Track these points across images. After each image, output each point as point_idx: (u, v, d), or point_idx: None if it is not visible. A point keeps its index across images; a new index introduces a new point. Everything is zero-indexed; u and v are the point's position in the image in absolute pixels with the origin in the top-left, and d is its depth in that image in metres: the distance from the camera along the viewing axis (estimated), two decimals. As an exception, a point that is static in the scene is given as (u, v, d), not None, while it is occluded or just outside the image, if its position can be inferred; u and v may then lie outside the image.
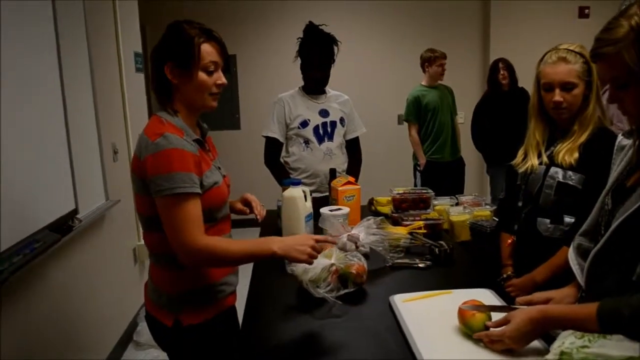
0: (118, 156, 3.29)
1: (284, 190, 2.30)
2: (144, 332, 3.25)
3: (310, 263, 1.45)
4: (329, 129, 2.78)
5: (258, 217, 1.80)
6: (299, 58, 2.73)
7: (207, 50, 1.43)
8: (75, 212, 2.38)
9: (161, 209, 1.37)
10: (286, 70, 3.34)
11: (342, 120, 2.82)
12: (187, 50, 1.40)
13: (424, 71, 4.58)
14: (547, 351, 1.12)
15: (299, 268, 1.58)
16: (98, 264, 2.92)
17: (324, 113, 2.78)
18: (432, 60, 4.46)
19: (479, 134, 4.86)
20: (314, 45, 2.62)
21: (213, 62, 1.45)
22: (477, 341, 1.25)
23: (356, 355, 1.29)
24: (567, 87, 1.70)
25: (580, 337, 1.02)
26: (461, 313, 1.31)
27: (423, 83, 4.58)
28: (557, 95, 1.71)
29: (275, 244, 1.41)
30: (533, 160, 1.83)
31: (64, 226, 2.27)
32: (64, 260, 2.46)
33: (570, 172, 1.72)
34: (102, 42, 3.14)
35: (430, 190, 2.31)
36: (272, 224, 2.36)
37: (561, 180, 1.73)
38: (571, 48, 1.72)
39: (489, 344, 1.21)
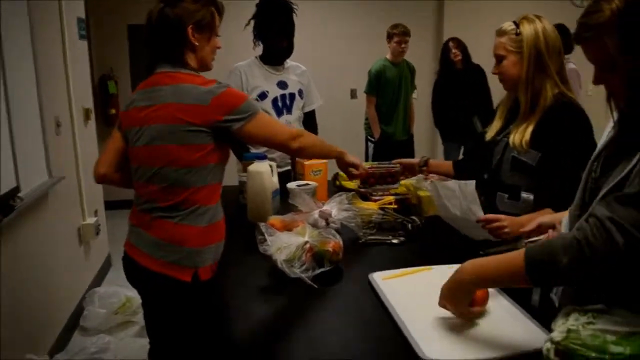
0: (61, 129, 3.05)
1: (245, 165, 2.19)
2: (91, 316, 3.07)
3: None
4: (287, 102, 2.66)
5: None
6: (250, 27, 2.58)
7: (217, 17, 1.61)
8: (16, 190, 2.18)
9: (255, 128, 1.54)
10: (236, 38, 3.17)
11: (300, 92, 2.71)
12: (211, 17, 1.58)
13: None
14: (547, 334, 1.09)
15: (272, 247, 1.49)
16: (41, 246, 2.70)
17: (282, 85, 2.66)
18: (390, 37, 4.42)
19: (438, 111, 4.90)
20: (277, 12, 2.48)
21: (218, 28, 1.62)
22: (469, 319, 1.20)
23: (345, 336, 1.21)
24: (497, 58, 1.74)
25: (583, 314, 0.98)
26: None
27: (387, 57, 4.53)
28: (494, 67, 1.78)
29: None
30: (495, 128, 1.86)
31: (5, 206, 2.07)
32: (5, 242, 2.25)
33: (525, 149, 1.69)
34: (43, 7, 2.87)
35: (397, 165, 2.25)
36: (233, 200, 2.24)
37: (516, 155, 1.71)
38: (518, 19, 1.71)
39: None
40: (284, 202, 2.11)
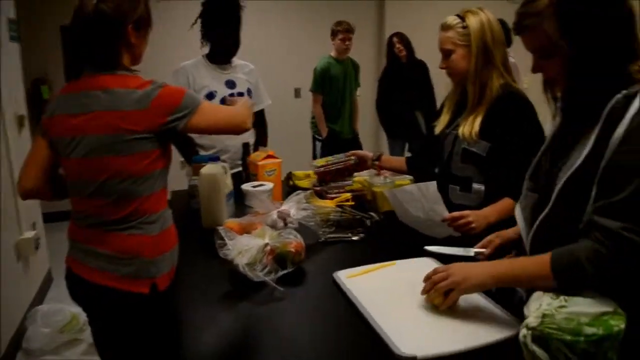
0: (-10, 139, 2.85)
1: (195, 168, 2.12)
2: (35, 337, 2.88)
3: None
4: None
5: None
6: (197, 26, 2.50)
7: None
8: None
9: (201, 120, 1.45)
10: (184, 37, 3.08)
11: (249, 91, 2.65)
12: (147, 12, 1.49)
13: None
14: (517, 322, 1.11)
15: (233, 251, 1.43)
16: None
17: (230, 84, 2.59)
18: (335, 34, 4.41)
19: (383, 107, 4.94)
20: (222, 9, 2.41)
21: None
22: (440, 312, 1.19)
23: (317, 339, 1.18)
24: (445, 53, 1.75)
25: (555, 297, 0.99)
26: None
27: (332, 54, 4.52)
28: (441, 62, 1.78)
29: None
30: (443, 122, 1.88)
31: None
32: None
33: (473, 141, 1.71)
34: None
35: (352, 157, 2.21)
36: (184, 205, 2.16)
37: (466, 147, 1.74)
38: (462, 12, 1.73)
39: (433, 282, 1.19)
40: (238, 204, 2.05)
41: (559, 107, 1.24)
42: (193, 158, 2.26)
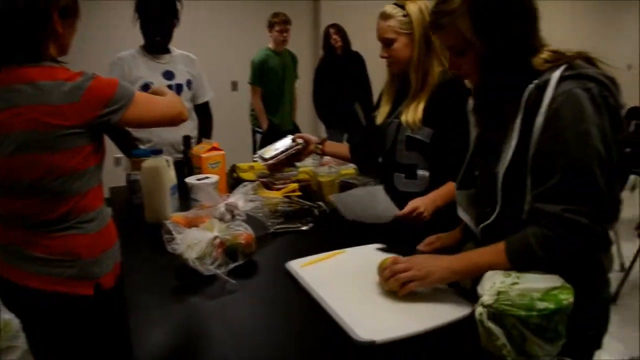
0: None
1: (135, 162, 2.04)
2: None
3: None
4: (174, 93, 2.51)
5: None
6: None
7: None
8: None
9: (137, 113, 1.39)
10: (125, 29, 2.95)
11: (189, 82, 2.58)
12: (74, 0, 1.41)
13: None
14: (468, 302, 1.15)
15: (182, 245, 1.39)
16: None
17: (168, 75, 2.51)
18: (272, 25, 4.38)
19: (320, 98, 4.95)
20: None
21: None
22: (396, 297, 1.21)
23: (275, 330, 1.16)
24: (386, 42, 1.75)
25: (507, 275, 1.02)
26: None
27: (270, 46, 4.47)
28: (381, 51, 1.78)
29: None
30: (384, 113, 1.88)
31: None
32: None
33: (417, 127, 1.74)
34: None
35: (300, 141, 2.17)
36: (124, 201, 2.08)
37: (409, 134, 1.76)
38: (400, 1, 1.74)
39: (393, 277, 1.20)
40: (181, 198, 2.00)
41: (472, 107, 1.30)
42: (132, 152, 2.18)
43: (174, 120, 1.51)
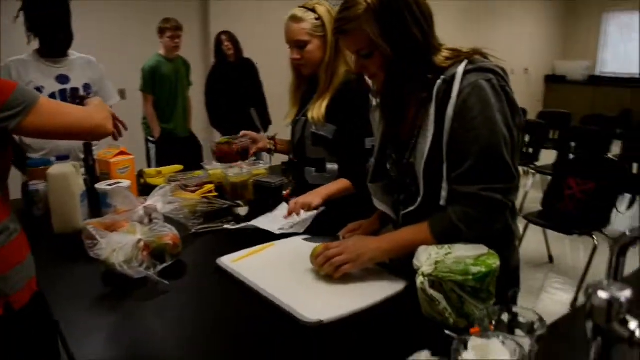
0: None
1: (34, 172, 1.91)
2: None
3: None
4: (68, 97, 2.37)
5: None
6: (20, 18, 2.24)
7: None
8: None
9: (41, 121, 1.25)
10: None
11: (86, 87, 2.44)
12: None
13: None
14: (400, 279, 1.23)
15: (106, 250, 1.33)
16: None
17: (62, 79, 2.36)
18: (162, 32, 4.25)
19: (213, 106, 4.89)
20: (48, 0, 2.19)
21: None
22: (333, 280, 1.25)
23: (219, 327, 1.15)
24: (299, 44, 1.79)
25: (440, 247, 1.11)
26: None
27: (161, 53, 4.33)
28: (293, 53, 1.81)
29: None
30: (293, 113, 1.95)
31: None
32: None
33: (321, 124, 1.82)
34: None
35: (246, 139, 2.14)
36: (24, 214, 1.92)
37: (314, 131, 1.84)
38: (307, 5, 1.80)
39: (327, 262, 1.25)
40: (89, 205, 1.89)
41: (377, 104, 1.39)
42: (27, 163, 2.02)
43: (91, 133, 1.38)
